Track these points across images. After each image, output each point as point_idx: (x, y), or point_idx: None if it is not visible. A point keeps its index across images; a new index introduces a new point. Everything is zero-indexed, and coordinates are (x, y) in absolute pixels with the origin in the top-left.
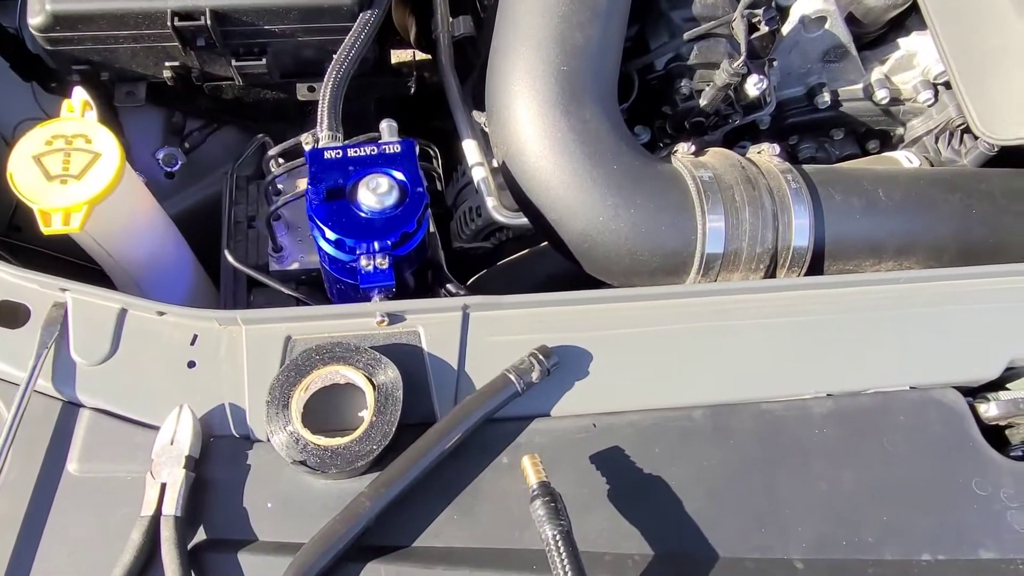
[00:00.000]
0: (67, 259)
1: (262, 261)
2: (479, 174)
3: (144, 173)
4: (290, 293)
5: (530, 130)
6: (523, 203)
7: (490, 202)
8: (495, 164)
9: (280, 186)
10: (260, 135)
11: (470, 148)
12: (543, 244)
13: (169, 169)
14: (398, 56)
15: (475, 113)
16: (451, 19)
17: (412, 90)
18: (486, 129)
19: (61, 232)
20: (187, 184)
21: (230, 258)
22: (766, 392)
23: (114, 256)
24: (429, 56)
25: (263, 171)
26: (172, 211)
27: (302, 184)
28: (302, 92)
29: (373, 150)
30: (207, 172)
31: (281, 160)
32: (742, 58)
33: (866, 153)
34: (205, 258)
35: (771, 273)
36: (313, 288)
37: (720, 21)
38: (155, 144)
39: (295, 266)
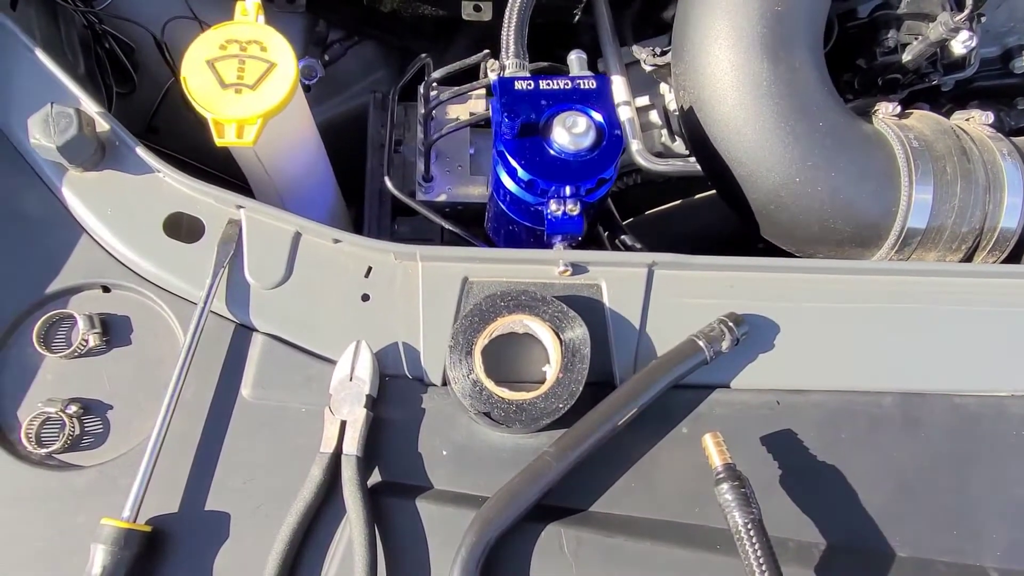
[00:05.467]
0: (199, 166)
1: (408, 188)
2: (624, 114)
3: None
4: (453, 228)
5: (731, 75)
6: (706, 153)
7: (635, 145)
8: (639, 104)
9: (433, 112)
10: (423, 55)
11: (617, 85)
12: (692, 199)
13: (307, 81)
14: None
15: (635, 48)
16: None
17: (576, 18)
18: (645, 65)
19: (233, 144)
20: (323, 98)
21: (391, 186)
22: (960, 384)
23: (269, 172)
24: None
25: (412, 92)
26: None
27: (454, 111)
28: (467, 11)
29: (567, 84)
30: (343, 87)
31: (435, 84)
32: (967, 11)
33: None
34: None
35: (969, 255)
36: (456, 222)
37: None
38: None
39: (442, 197)
